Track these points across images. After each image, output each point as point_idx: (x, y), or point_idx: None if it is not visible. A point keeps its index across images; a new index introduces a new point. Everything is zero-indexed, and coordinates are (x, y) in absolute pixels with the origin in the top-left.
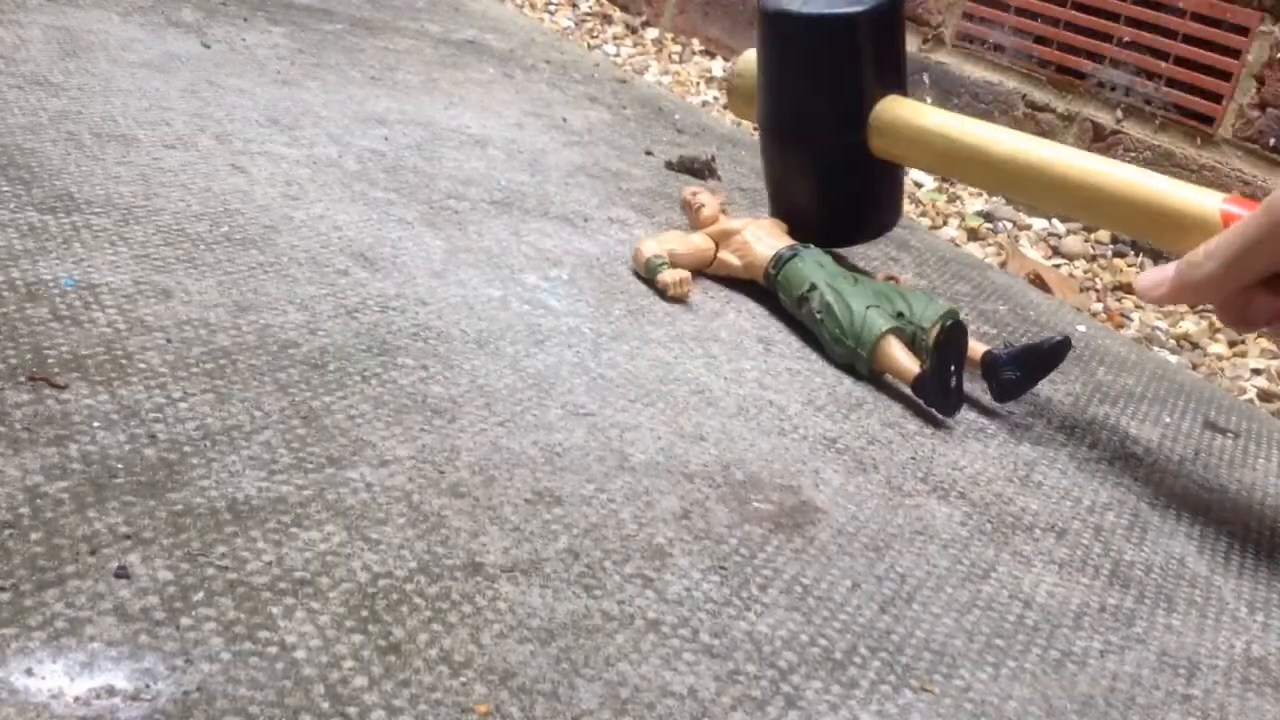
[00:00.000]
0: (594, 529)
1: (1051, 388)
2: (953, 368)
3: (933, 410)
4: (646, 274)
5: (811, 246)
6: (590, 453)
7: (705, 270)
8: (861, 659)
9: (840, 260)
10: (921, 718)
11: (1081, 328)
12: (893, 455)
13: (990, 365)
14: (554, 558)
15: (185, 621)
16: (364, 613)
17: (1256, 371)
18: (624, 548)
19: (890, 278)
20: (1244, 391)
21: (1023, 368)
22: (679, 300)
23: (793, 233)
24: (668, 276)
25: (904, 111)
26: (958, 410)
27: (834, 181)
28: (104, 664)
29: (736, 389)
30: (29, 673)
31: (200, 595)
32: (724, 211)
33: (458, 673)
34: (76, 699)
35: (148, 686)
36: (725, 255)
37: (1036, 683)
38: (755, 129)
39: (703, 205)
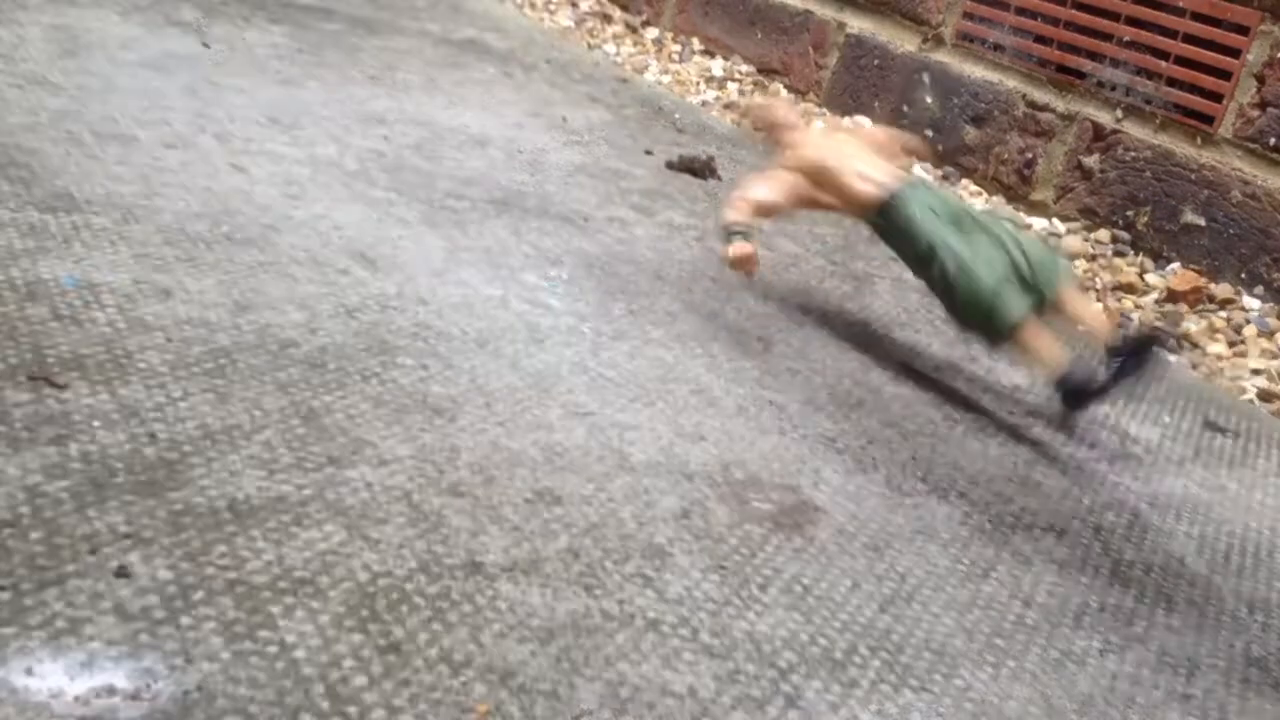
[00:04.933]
0: (594, 528)
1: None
2: (1101, 384)
3: (1061, 401)
4: (719, 236)
5: (915, 182)
6: (590, 452)
7: (807, 209)
8: (861, 658)
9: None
10: (921, 717)
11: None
12: (893, 455)
13: (1114, 351)
14: (554, 557)
15: (185, 621)
16: (364, 612)
17: (1256, 371)
18: (624, 547)
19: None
20: (1244, 391)
21: (1127, 361)
22: (742, 274)
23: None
24: (734, 250)
25: None
26: (1087, 409)
27: None
28: (104, 663)
29: (736, 389)
30: (29, 672)
31: (200, 595)
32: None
33: (458, 672)
34: (76, 698)
35: (148, 686)
36: (823, 195)
37: (1036, 682)
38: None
39: (793, 127)
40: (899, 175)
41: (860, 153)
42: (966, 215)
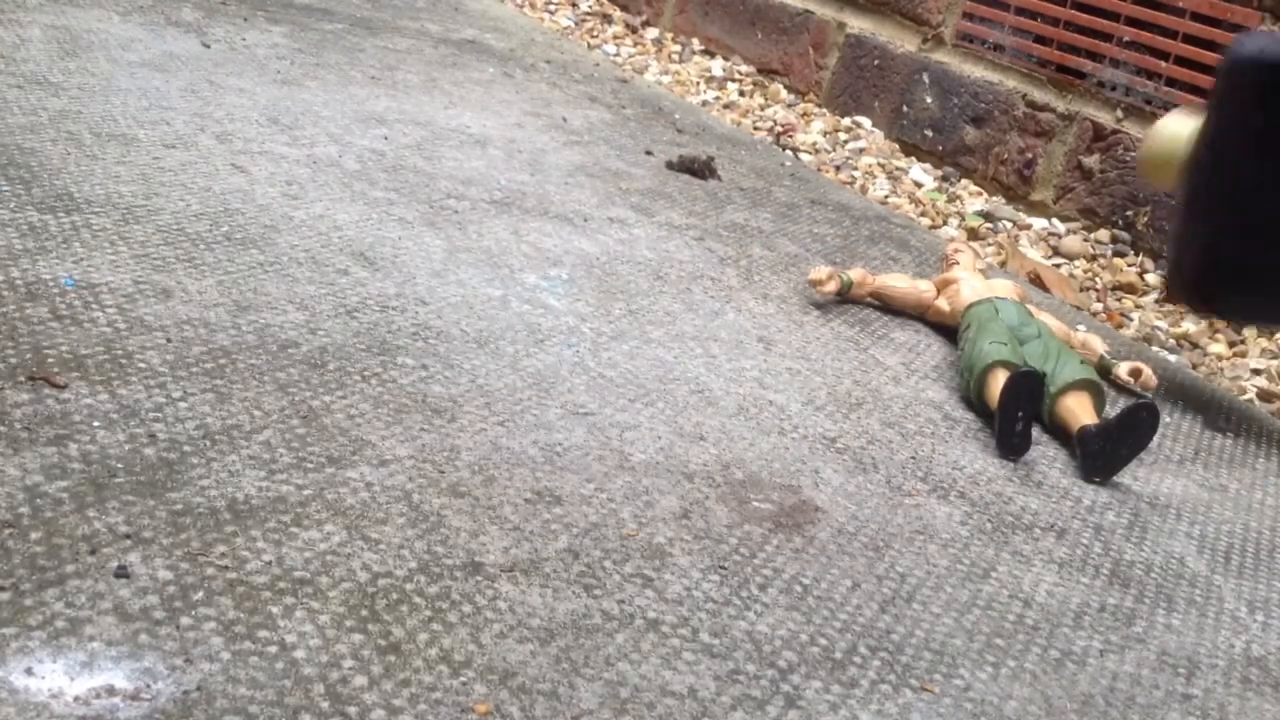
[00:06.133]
0: (594, 529)
1: None
2: (1020, 414)
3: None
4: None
5: (1008, 299)
6: (590, 452)
7: (922, 315)
8: (861, 658)
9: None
10: (921, 717)
11: (1081, 327)
12: (893, 455)
13: (1083, 439)
14: (554, 557)
15: (185, 621)
16: (364, 612)
17: (1256, 371)
18: (624, 547)
19: (1137, 371)
20: (1244, 391)
21: (1115, 441)
22: (814, 285)
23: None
24: (818, 274)
25: None
26: (1018, 456)
27: None
28: (104, 663)
29: (736, 389)
30: (29, 672)
31: (200, 595)
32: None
33: (458, 672)
34: (76, 698)
35: (148, 686)
36: (941, 303)
37: (1036, 682)
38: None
39: (956, 263)
40: (1005, 298)
41: (994, 286)
42: (1033, 325)
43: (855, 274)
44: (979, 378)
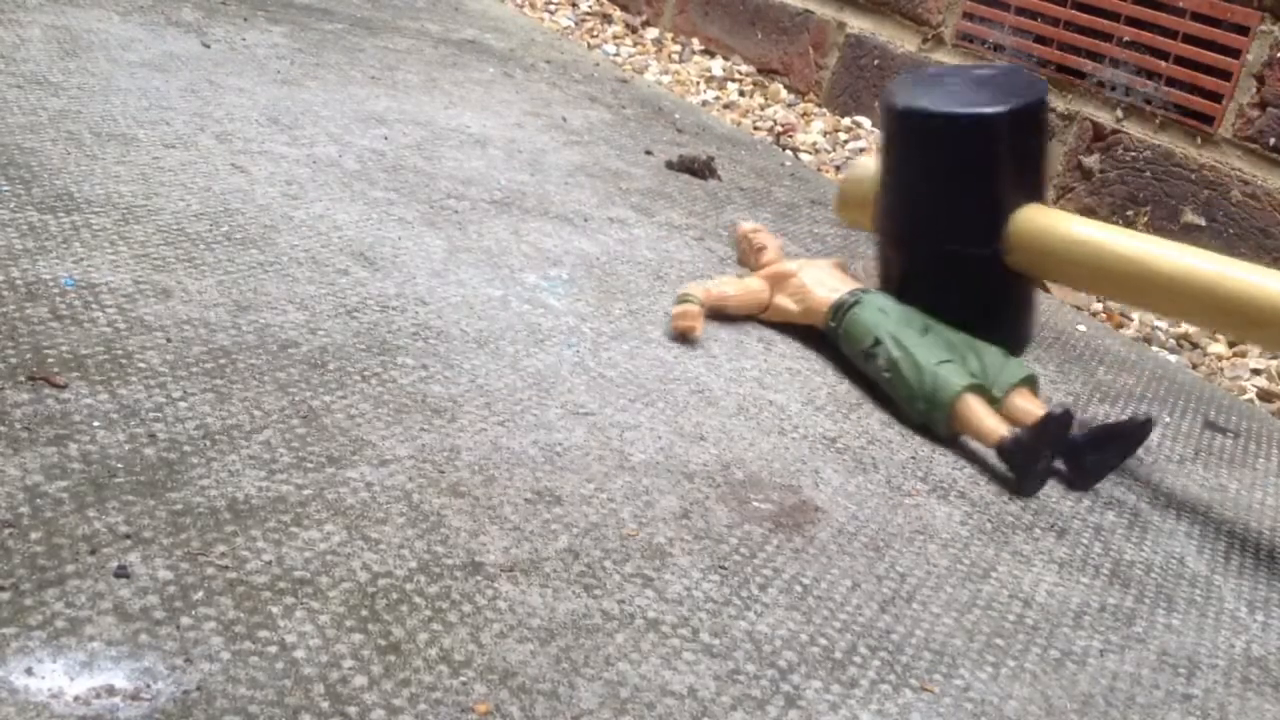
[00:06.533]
0: (594, 528)
1: (1051, 387)
2: (1048, 453)
3: (1014, 478)
4: (675, 299)
5: (874, 290)
6: (590, 452)
7: (760, 315)
8: (861, 658)
9: (909, 304)
10: (921, 717)
11: (1082, 327)
12: (893, 455)
13: (1071, 449)
14: (554, 557)
15: (185, 621)
16: (364, 612)
17: (1256, 371)
18: (624, 547)
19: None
20: (1244, 391)
21: (1099, 451)
22: (679, 336)
23: None
24: (676, 309)
25: (1047, 221)
26: (1038, 490)
27: (965, 294)
28: (104, 663)
29: (736, 388)
30: (29, 672)
31: (200, 595)
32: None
33: (458, 672)
34: (76, 698)
35: (148, 686)
36: (781, 300)
37: (1036, 682)
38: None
39: (764, 247)
40: (859, 286)
41: (828, 269)
42: (919, 318)
43: (695, 290)
44: (948, 410)
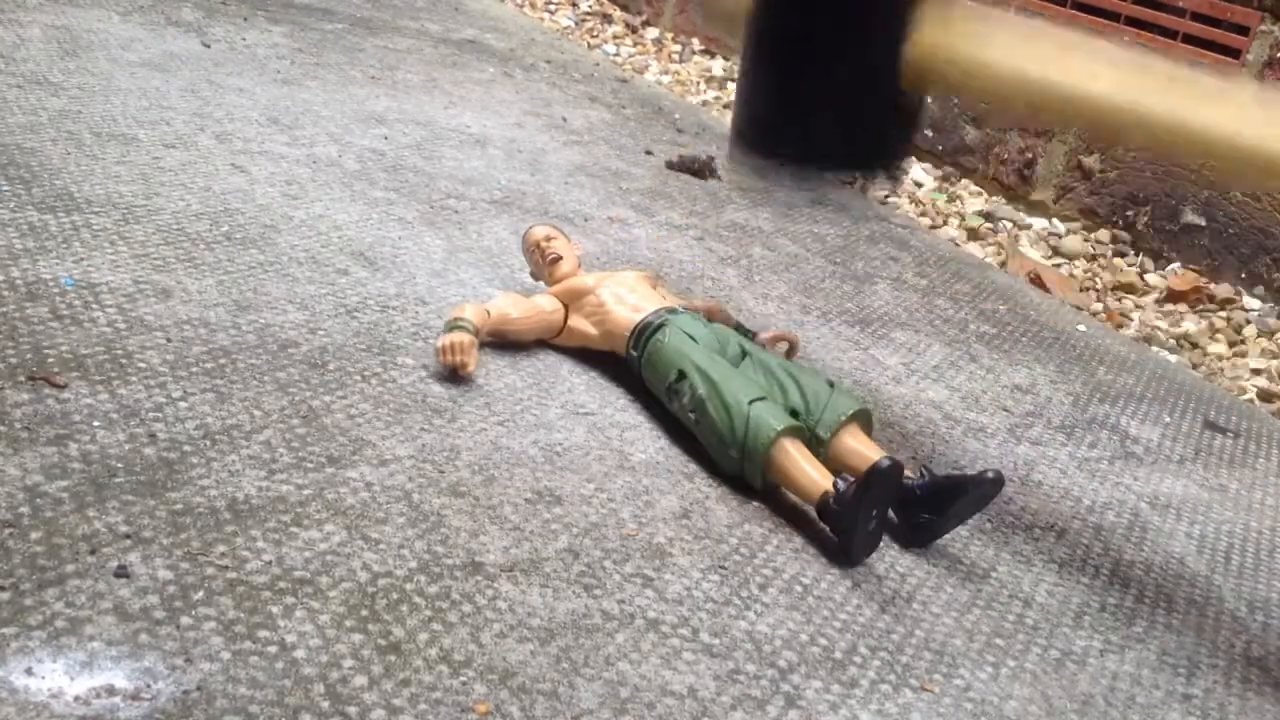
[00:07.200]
0: (594, 528)
1: (1052, 387)
2: (875, 513)
3: (836, 542)
4: (444, 326)
5: (681, 310)
6: (590, 452)
7: (553, 340)
8: (861, 658)
9: (717, 325)
10: (921, 717)
11: (1082, 327)
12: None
13: (904, 503)
14: (554, 557)
15: (185, 621)
16: (364, 612)
17: (1256, 371)
18: (624, 547)
19: (781, 338)
20: (1244, 391)
21: (937, 508)
22: (453, 370)
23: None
24: (444, 340)
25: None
26: (869, 554)
27: (850, 99)
28: (104, 663)
29: None
30: (29, 672)
31: (200, 595)
32: (581, 265)
33: (458, 672)
34: (76, 698)
35: (148, 686)
36: (577, 322)
37: (1036, 682)
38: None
39: (559, 258)
40: (666, 305)
41: (632, 284)
42: (733, 343)
43: (469, 313)
44: (763, 458)
